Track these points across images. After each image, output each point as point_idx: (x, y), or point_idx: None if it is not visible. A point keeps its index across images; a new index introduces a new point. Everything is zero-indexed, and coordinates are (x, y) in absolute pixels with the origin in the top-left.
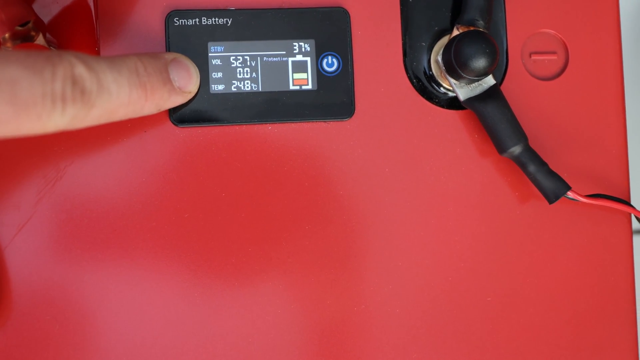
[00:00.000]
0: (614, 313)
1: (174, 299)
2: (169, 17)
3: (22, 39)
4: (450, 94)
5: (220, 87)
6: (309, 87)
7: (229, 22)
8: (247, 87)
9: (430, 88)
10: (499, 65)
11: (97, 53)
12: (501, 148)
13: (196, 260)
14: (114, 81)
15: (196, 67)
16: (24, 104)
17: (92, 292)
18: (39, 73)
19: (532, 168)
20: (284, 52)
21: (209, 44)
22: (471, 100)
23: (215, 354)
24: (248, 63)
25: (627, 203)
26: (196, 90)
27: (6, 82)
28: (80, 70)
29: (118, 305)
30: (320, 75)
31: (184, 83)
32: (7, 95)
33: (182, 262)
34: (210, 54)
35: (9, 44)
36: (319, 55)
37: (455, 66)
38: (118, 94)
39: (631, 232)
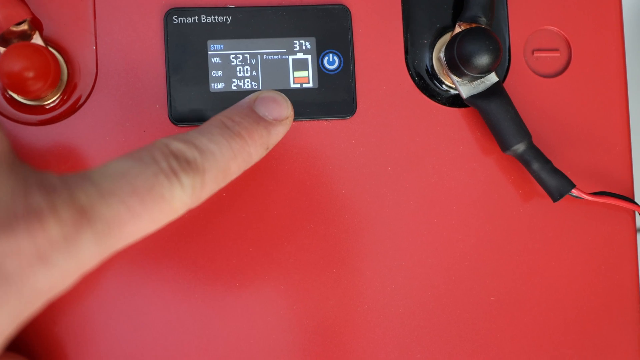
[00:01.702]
0: (619, 311)
1: (173, 299)
2: (168, 15)
3: (19, 38)
4: (453, 91)
5: (220, 85)
6: (310, 85)
7: (229, 20)
8: (248, 85)
9: (432, 86)
10: (501, 63)
11: (95, 52)
12: (504, 146)
13: (196, 259)
14: (211, 142)
15: (281, 94)
16: (143, 189)
17: (92, 291)
18: (141, 160)
19: (536, 166)
20: (285, 50)
21: (209, 42)
22: (474, 98)
23: (216, 354)
24: (248, 61)
25: (631, 200)
26: (292, 113)
27: (120, 176)
28: (176, 145)
29: (117, 305)
30: (321, 73)
31: (276, 113)
32: (127, 187)
33: (182, 261)
34: (209, 52)
35: (4, 44)
36: (319, 53)
37: (458, 63)
38: (220, 151)
39: (635, 230)
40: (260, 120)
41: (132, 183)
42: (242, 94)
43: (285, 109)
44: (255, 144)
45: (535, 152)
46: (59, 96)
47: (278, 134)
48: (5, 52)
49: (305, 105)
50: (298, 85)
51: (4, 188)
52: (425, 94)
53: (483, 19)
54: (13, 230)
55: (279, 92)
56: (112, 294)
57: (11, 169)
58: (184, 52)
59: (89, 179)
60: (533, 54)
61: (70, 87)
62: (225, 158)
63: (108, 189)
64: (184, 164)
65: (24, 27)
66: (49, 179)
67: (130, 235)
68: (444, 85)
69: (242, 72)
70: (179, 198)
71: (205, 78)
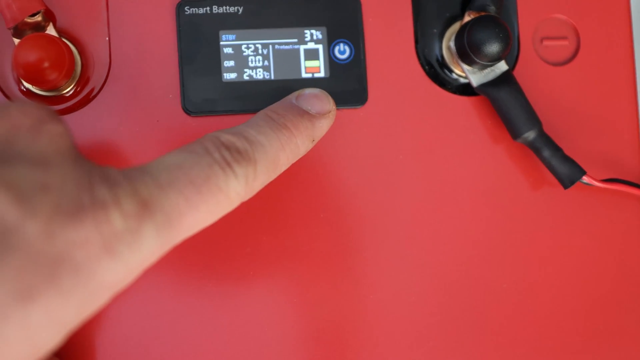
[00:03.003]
0: (629, 297)
1: (177, 296)
2: (180, 6)
3: (33, 29)
4: (463, 80)
5: (232, 75)
6: (321, 74)
7: (240, 10)
8: (260, 75)
9: (442, 74)
10: (510, 51)
11: (108, 43)
12: (515, 133)
13: (203, 253)
14: (259, 133)
15: (322, 90)
16: (200, 180)
17: None
18: (194, 152)
19: (546, 153)
20: (296, 40)
21: (221, 32)
22: (484, 86)
23: (223, 348)
24: (260, 51)
25: None
26: (335, 107)
27: (176, 168)
28: (226, 137)
29: (126, 298)
30: (332, 62)
31: (319, 107)
32: (184, 178)
33: (187, 256)
34: (221, 43)
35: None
36: (330, 42)
37: (468, 51)
38: (269, 142)
39: None
40: (304, 114)
41: (188, 174)
42: (254, 83)
43: (327, 103)
44: (301, 136)
45: (545, 139)
46: (73, 87)
47: (322, 127)
48: (20, 44)
49: None
50: (309, 75)
51: (70, 181)
52: (435, 82)
53: (492, 8)
54: (81, 221)
55: (320, 89)
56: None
57: (76, 163)
58: (196, 42)
59: (148, 172)
60: (542, 42)
61: (83, 79)
62: (274, 149)
63: (166, 181)
64: (236, 155)
65: (38, 18)
66: (111, 173)
67: (189, 227)
68: (454, 74)
69: (254, 62)
70: (233, 188)
71: (217, 68)
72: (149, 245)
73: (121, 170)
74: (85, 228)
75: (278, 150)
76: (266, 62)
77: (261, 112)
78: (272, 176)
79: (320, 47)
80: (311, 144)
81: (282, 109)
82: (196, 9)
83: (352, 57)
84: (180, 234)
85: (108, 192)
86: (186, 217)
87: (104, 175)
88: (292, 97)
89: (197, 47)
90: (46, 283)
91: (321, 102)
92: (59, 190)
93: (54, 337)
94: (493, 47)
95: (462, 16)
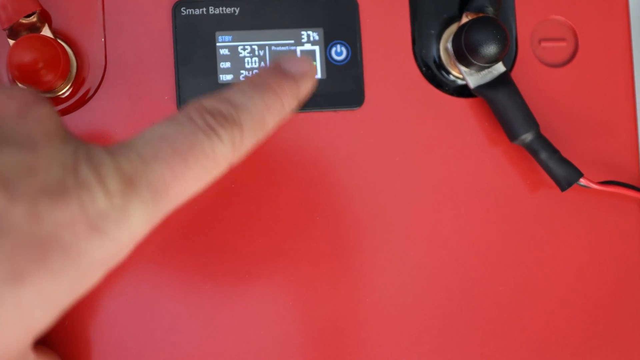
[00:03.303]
0: (627, 299)
1: (175, 298)
2: (176, 7)
3: (28, 30)
4: (460, 81)
5: (229, 77)
6: (318, 76)
7: (237, 11)
8: None
9: (439, 76)
10: (508, 53)
11: (104, 43)
12: (512, 135)
13: (201, 253)
14: (243, 95)
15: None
16: (183, 148)
17: (99, 285)
18: (177, 121)
19: (544, 155)
20: (293, 41)
21: (217, 33)
22: (481, 88)
23: (222, 348)
24: (256, 52)
25: (639, 189)
26: (314, 67)
27: (160, 139)
28: (210, 103)
29: (124, 298)
30: (329, 64)
31: (299, 67)
32: (168, 148)
33: (185, 256)
34: (218, 44)
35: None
36: (327, 44)
37: (465, 53)
38: (254, 104)
39: None
40: (286, 74)
41: (172, 144)
42: None
43: (306, 62)
44: (286, 96)
45: (543, 141)
46: (69, 88)
47: (306, 85)
48: (14, 45)
49: (313, 96)
50: None
51: (56, 163)
52: (432, 84)
53: (490, 9)
54: (66, 202)
55: (294, 52)
56: (118, 287)
57: (62, 143)
58: (192, 43)
59: (132, 147)
60: (540, 43)
61: (79, 80)
62: (260, 110)
63: (150, 153)
64: (221, 119)
65: (33, 19)
66: (96, 151)
67: (176, 196)
68: (451, 76)
69: (250, 64)
70: (220, 152)
71: (213, 69)
72: (137, 221)
73: (106, 148)
74: (71, 208)
75: (264, 111)
76: (262, 64)
77: (245, 79)
78: (260, 137)
79: (317, 48)
80: (297, 103)
81: (265, 72)
82: (192, 9)
83: (349, 58)
84: (168, 205)
85: (92, 172)
86: (173, 187)
87: (88, 154)
88: (272, 62)
89: (193, 48)
90: (36, 264)
91: (301, 62)
92: (45, 173)
93: (46, 317)
94: (490, 49)
95: (459, 17)
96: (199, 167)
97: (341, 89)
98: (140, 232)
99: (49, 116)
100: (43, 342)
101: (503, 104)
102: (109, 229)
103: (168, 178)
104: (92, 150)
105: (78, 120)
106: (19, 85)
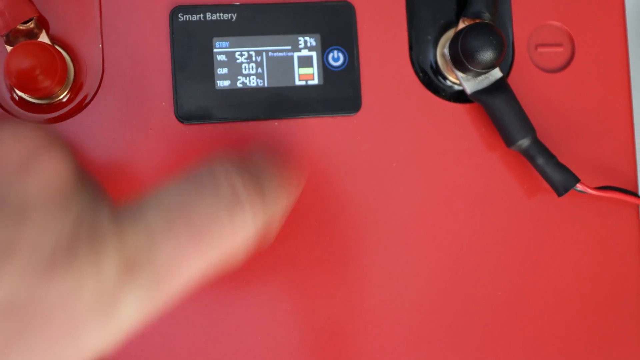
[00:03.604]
0: (623, 304)
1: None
2: (173, 13)
3: (25, 37)
4: (457, 87)
5: (226, 83)
6: (315, 82)
7: (234, 18)
8: (253, 82)
9: (436, 82)
10: (505, 58)
11: (101, 50)
12: (509, 141)
13: None
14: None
15: None
16: (201, 222)
17: None
18: (204, 185)
19: (540, 161)
20: (290, 47)
21: (214, 39)
22: (478, 93)
23: (222, 350)
24: (253, 58)
25: (635, 195)
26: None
27: (176, 208)
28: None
29: None
30: (326, 70)
31: None
32: (183, 222)
33: None
34: (215, 50)
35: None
36: (324, 49)
37: (462, 59)
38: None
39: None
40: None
41: (188, 217)
42: (248, 91)
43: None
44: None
45: (539, 147)
46: (66, 94)
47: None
48: (12, 51)
49: (311, 102)
50: (303, 82)
51: (48, 236)
52: (429, 89)
53: (487, 15)
54: (50, 281)
55: None
56: None
57: (63, 210)
58: (190, 49)
59: (143, 214)
60: (537, 49)
61: (76, 86)
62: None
63: (160, 228)
64: (245, 188)
65: (31, 25)
66: (102, 221)
67: (183, 282)
68: (448, 81)
69: (247, 70)
70: (248, 222)
71: (211, 75)
72: (128, 308)
73: (114, 212)
74: (54, 288)
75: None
76: (260, 70)
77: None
78: (287, 207)
79: (314, 54)
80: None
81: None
82: (190, 16)
83: (346, 64)
84: (171, 290)
85: (89, 251)
86: (180, 271)
87: (92, 224)
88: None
89: (190, 54)
90: (13, 339)
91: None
92: (32, 247)
93: None
94: (487, 55)
95: (456, 23)
96: (229, 234)
97: (338, 94)
98: (135, 319)
99: (57, 172)
100: None
101: (500, 109)
102: (93, 316)
103: (174, 262)
104: (98, 218)
105: (76, 126)
106: (32, 120)
